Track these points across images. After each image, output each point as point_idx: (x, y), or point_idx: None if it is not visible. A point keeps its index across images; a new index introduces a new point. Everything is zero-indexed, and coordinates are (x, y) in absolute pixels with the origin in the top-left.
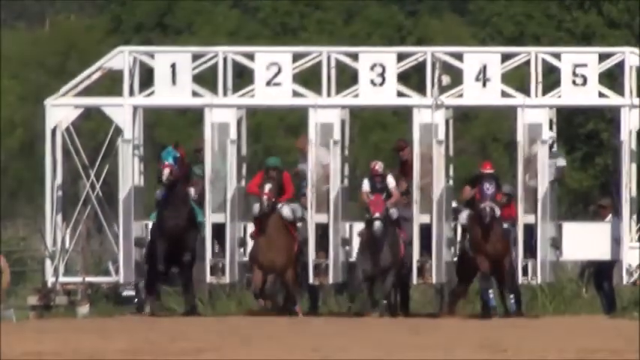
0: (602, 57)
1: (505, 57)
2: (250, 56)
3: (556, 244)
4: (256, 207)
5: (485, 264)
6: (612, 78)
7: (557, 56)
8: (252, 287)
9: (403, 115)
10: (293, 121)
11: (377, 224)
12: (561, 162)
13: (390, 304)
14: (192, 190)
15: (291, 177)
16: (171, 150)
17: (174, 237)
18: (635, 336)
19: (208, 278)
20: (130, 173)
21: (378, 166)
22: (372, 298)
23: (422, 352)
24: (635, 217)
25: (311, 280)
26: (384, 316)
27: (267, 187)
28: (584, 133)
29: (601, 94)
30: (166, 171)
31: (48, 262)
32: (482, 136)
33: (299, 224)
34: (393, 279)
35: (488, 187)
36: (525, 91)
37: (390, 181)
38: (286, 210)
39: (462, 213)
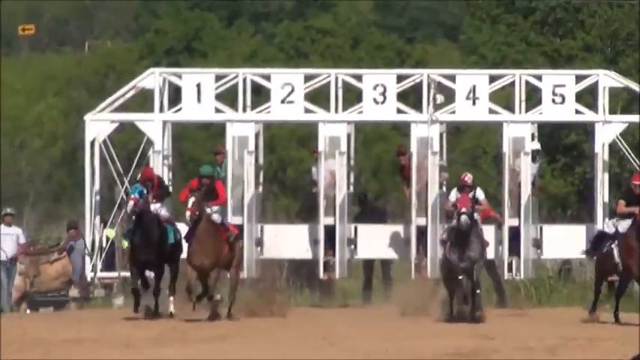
0: (579, 78)
1: (492, 78)
2: (267, 77)
3: (537, 244)
4: (187, 214)
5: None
6: (588, 97)
7: (539, 78)
8: (186, 283)
9: (402, 129)
10: (304, 135)
11: (464, 217)
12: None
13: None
14: (162, 211)
15: (222, 184)
16: (138, 186)
17: (144, 263)
18: (606, 326)
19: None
20: (165, 181)
21: (468, 177)
22: (457, 290)
23: (416, 340)
24: (607, 219)
25: (321, 275)
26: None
27: (191, 201)
28: (564, 145)
29: (577, 111)
30: (131, 203)
31: (87, 259)
32: (472, 148)
33: None
34: (475, 275)
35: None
36: (510, 108)
37: (480, 192)
38: (216, 216)
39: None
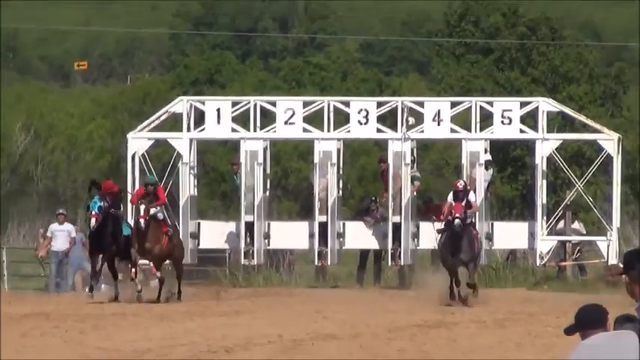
0: (523, 104)
1: (453, 104)
2: (273, 103)
3: (489, 237)
4: (141, 221)
5: None
6: (530, 119)
7: (491, 104)
8: (132, 264)
9: (381, 145)
10: (303, 150)
11: (457, 222)
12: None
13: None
14: (159, 214)
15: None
16: (97, 201)
17: (106, 244)
18: (544, 303)
19: (242, 261)
20: (187, 186)
21: (460, 183)
22: (454, 276)
23: (393, 314)
24: (545, 218)
25: (316, 262)
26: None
27: (142, 208)
28: (510, 158)
29: (521, 131)
30: (93, 220)
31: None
32: (437, 160)
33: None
34: (475, 266)
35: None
36: (467, 128)
37: (472, 195)
38: (159, 215)
39: None
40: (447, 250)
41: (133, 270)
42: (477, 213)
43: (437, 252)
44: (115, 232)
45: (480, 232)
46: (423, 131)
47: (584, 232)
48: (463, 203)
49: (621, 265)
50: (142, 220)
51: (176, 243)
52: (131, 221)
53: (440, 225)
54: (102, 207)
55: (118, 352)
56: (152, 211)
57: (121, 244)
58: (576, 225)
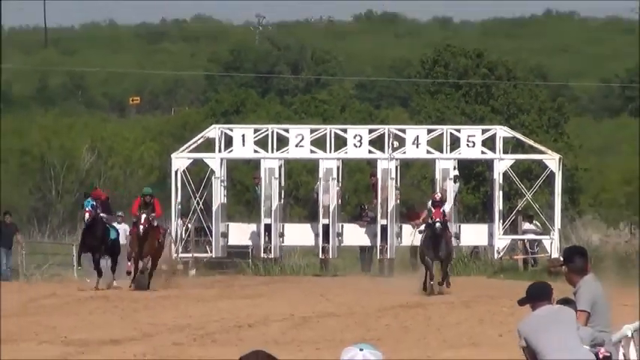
0: (484, 131)
1: (429, 131)
2: (286, 130)
3: (457, 236)
4: (141, 227)
5: None
6: (489, 142)
7: (459, 131)
8: (132, 265)
9: (372, 163)
10: (310, 167)
11: (437, 225)
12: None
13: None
14: (105, 216)
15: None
16: (90, 200)
17: (89, 247)
18: (501, 288)
19: (262, 254)
20: (218, 196)
21: (437, 195)
22: (430, 271)
23: (382, 295)
24: (501, 221)
25: (320, 255)
26: (442, 286)
27: (143, 217)
28: (474, 173)
29: (482, 152)
30: (87, 215)
31: (172, 246)
32: (416, 175)
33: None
34: (450, 260)
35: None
36: (440, 150)
37: (447, 206)
38: (155, 222)
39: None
40: (428, 247)
41: (130, 264)
42: (448, 212)
43: (415, 249)
44: (103, 236)
45: (450, 232)
46: (405, 152)
47: (540, 231)
48: (440, 209)
49: (562, 259)
50: (141, 227)
51: (164, 244)
52: (120, 226)
53: (422, 227)
54: (93, 205)
55: (164, 326)
56: (149, 218)
57: (107, 245)
58: (533, 226)
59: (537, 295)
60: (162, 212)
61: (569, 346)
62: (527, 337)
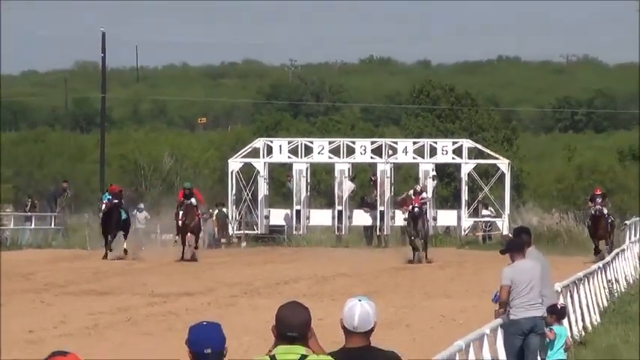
0: (454, 143)
1: (414, 143)
2: (311, 142)
3: (435, 218)
4: (180, 210)
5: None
6: (458, 151)
7: (436, 142)
8: (180, 237)
9: (373, 166)
10: (329, 169)
11: (416, 209)
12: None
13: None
14: (122, 202)
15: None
16: (107, 194)
17: (113, 226)
18: (466, 256)
19: (294, 232)
20: (262, 190)
21: (417, 187)
22: (413, 246)
23: (380, 261)
24: (466, 207)
25: (336, 233)
26: (422, 257)
27: (185, 205)
28: (446, 173)
29: (453, 158)
30: (103, 205)
31: (230, 225)
32: (405, 174)
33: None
34: (427, 237)
35: None
36: (422, 156)
37: (425, 195)
38: (194, 202)
39: None
40: (409, 225)
41: (178, 238)
42: (428, 204)
43: (404, 228)
44: (117, 219)
45: (429, 216)
46: (397, 158)
47: (494, 215)
48: (419, 197)
49: (511, 235)
50: (186, 203)
51: (200, 222)
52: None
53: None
54: (109, 199)
55: (223, 283)
56: (190, 202)
57: (120, 225)
58: (489, 212)
59: (514, 248)
60: (203, 200)
61: (545, 293)
62: (512, 278)
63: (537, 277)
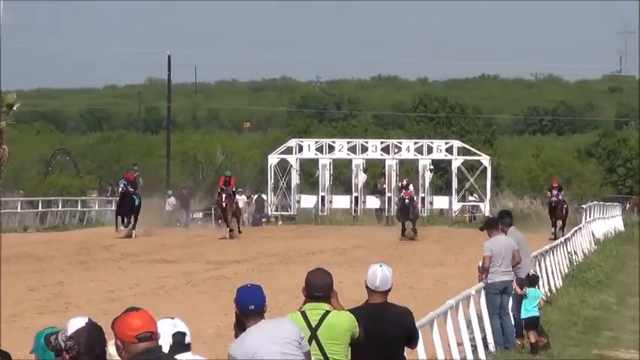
0: (447, 143)
1: (415, 143)
2: (333, 142)
3: (431, 203)
4: (220, 194)
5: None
6: (450, 150)
7: (432, 143)
8: (223, 221)
9: (382, 162)
10: (347, 164)
11: (407, 200)
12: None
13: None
14: (135, 186)
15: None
16: (123, 180)
17: (126, 211)
18: (453, 233)
19: (320, 213)
20: (295, 179)
21: (406, 180)
22: (403, 228)
23: (387, 237)
24: (456, 194)
25: (352, 214)
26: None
27: (225, 193)
28: (441, 167)
29: (445, 155)
30: (121, 189)
31: (269, 207)
32: (408, 168)
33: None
34: (415, 222)
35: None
36: (422, 154)
37: (412, 188)
38: (235, 195)
39: None
40: (400, 212)
41: (221, 222)
42: (426, 189)
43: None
44: (131, 203)
45: (426, 201)
46: (401, 155)
47: (479, 200)
48: (408, 190)
49: (491, 216)
50: (224, 195)
51: (237, 207)
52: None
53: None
54: (125, 184)
55: (263, 253)
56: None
57: (133, 209)
58: (474, 198)
59: (491, 224)
60: (235, 186)
61: (525, 262)
62: (492, 249)
63: (510, 250)
